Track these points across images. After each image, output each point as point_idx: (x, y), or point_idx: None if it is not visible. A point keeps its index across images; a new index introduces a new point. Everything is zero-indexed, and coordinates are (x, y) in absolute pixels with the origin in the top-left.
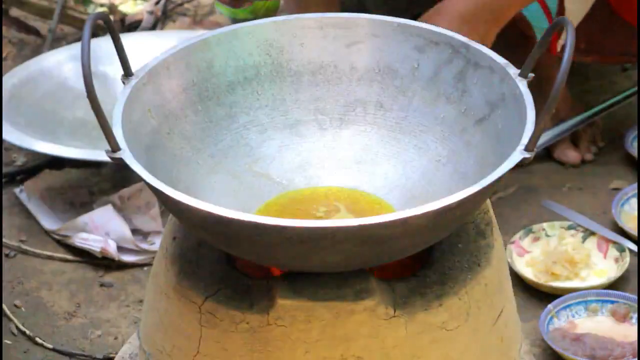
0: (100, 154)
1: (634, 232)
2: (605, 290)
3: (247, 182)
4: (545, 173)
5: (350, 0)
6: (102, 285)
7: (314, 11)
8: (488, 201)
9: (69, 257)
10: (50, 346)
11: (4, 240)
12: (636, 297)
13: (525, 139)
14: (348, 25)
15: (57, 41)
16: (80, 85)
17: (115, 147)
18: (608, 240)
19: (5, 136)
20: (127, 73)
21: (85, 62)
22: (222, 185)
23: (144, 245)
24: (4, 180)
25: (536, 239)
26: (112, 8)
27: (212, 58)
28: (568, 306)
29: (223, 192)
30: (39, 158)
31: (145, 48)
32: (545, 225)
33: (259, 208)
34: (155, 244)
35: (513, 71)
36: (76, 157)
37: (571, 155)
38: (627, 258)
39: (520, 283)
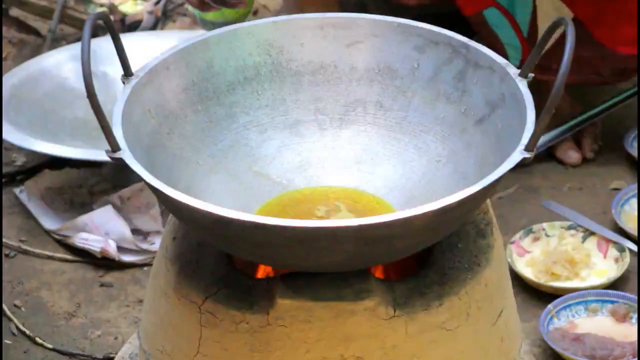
0: (100, 154)
1: (634, 232)
2: (605, 290)
3: (247, 182)
4: (545, 173)
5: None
6: (102, 285)
7: (313, 11)
8: (488, 201)
9: (69, 257)
10: (50, 346)
11: (4, 240)
12: (636, 297)
13: (525, 139)
14: (348, 25)
15: (57, 41)
16: (80, 85)
17: (115, 147)
18: (608, 240)
19: (5, 136)
20: (127, 73)
21: (85, 62)
22: (222, 185)
23: (144, 245)
24: (4, 180)
25: (536, 239)
26: (112, 8)
27: (212, 58)
28: (568, 306)
29: (223, 192)
30: (39, 158)
31: (145, 48)
32: (545, 225)
33: (259, 208)
34: (155, 244)
35: (513, 71)
36: (76, 157)
37: (573, 155)
38: (627, 258)
39: (520, 283)
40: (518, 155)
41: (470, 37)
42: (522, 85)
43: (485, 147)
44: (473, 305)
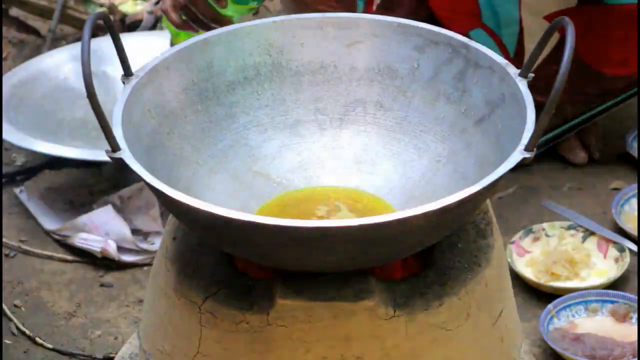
0: (100, 154)
1: (634, 232)
2: (605, 290)
3: (247, 182)
4: (545, 173)
5: None
6: (102, 285)
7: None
8: (488, 201)
9: (69, 257)
10: (50, 346)
11: (4, 240)
12: (636, 297)
13: (525, 139)
14: (348, 25)
15: (57, 41)
16: (80, 85)
17: (115, 147)
18: (608, 240)
19: (5, 136)
20: (127, 73)
21: (85, 62)
22: (222, 185)
23: (144, 245)
24: (4, 180)
25: (536, 239)
26: (112, 8)
27: (212, 58)
28: (568, 306)
29: (223, 192)
30: (39, 158)
31: (145, 48)
32: (545, 225)
33: (259, 208)
34: (155, 244)
35: (513, 71)
36: (76, 157)
37: (580, 154)
38: (627, 258)
39: (520, 283)
40: (518, 155)
41: None
42: (522, 85)
43: (485, 147)
44: (473, 305)
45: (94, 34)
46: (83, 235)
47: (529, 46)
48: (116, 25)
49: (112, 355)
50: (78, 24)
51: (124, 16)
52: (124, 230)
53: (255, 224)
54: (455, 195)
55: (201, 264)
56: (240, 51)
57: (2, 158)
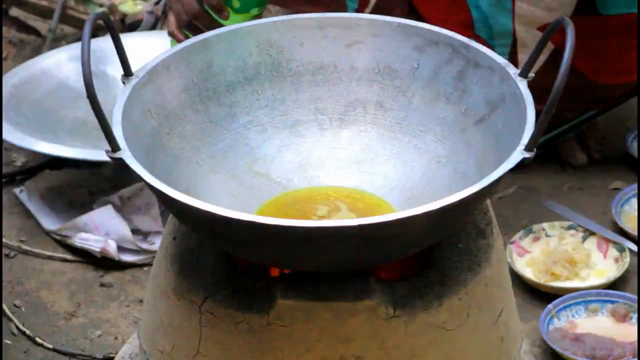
0: (100, 154)
1: (634, 232)
2: (605, 290)
3: (247, 182)
4: (545, 173)
5: None
6: (102, 285)
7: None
8: (488, 201)
9: (69, 257)
10: (50, 346)
11: (4, 240)
12: (636, 297)
13: (525, 139)
14: (348, 25)
15: (57, 41)
16: (80, 85)
17: (115, 147)
18: (608, 240)
19: (5, 136)
20: (127, 73)
21: (85, 62)
22: (222, 185)
23: (144, 245)
24: (4, 180)
25: (536, 239)
26: (112, 8)
27: (212, 58)
28: (568, 306)
29: (223, 192)
30: (39, 158)
31: (145, 48)
32: (545, 225)
33: (259, 208)
34: (155, 244)
35: (513, 71)
36: (76, 157)
37: (579, 156)
38: (627, 258)
39: (520, 283)
40: (518, 155)
41: None
42: (522, 85)
43: (485, 147)
44: (473, 305)
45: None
46: (83, 235)
47: (523, 57)
48: (116, 25)
49: (112, 355)
50: (78, 24)
51: (124, 16)
52: (124, 230)
53: (255, 224)
54: (455, 195)
55: (201, 264)
56: (240, 51)
57: (2, 158)
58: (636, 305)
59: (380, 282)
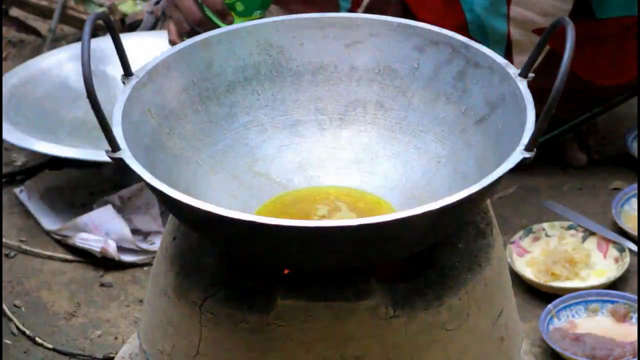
0: (100, 154)
1: (634, 232)
2: (605, 290)
3: (247, 182)
4: (545, 173)
5: None
6: (102, 285)
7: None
8: (488, 201)
9: (69, 257)
10: (50, 346)
11: (4, 240)
12: (636, 297)
13: (525, 139)
14: (348, 25)
15: (57, 41)
16: (80, 85)
17: (115, 147)
18: (608, 240)
19: (5, 136)
20: (127, 73)
21: (85, 62)
22: (222, 185)
23: (144, 245)
24: (4, 180)
25: (536, 239)
26: (112, 8)
27: (212, 58)
28: (568, 306)
29: (223, 192)
30: (39, 158)
31: (145, 48)
32: (545, 225)
33: (259, 208)
34: (155, 244)
35: (513, 71)
36: (76, 157)
37: (579, 156)
38: (627, 258)
39: (520, 283)
40: (518, 155)
41: None
42: (522, 85)
43: (485, 147)
44: (473, 305)
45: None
46: (83, 235)
47: (518, 59)
48: (116, 25)
49: (112, 355)
50: (78, 24)
51: (124, 16)
52: (124, 230)
53: (255, 224)
54: (455, 195)
55: (201, 264)
56: (240, 51)
57: (2, 158)
58: (636, 305)
59: (380, 282)
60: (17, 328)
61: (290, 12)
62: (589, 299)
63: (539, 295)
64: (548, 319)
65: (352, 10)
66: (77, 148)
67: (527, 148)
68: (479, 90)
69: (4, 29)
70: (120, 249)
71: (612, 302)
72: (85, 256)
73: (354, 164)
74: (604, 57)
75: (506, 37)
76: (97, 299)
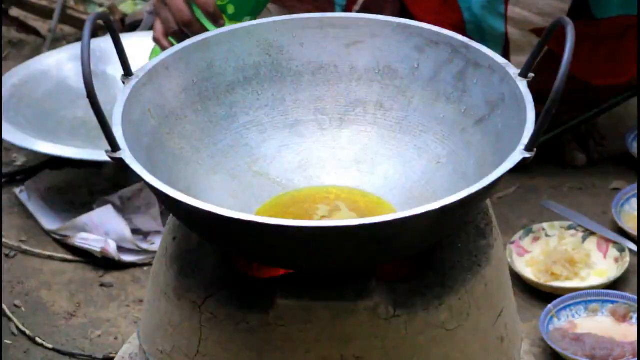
0: (100, 154)
1: (634, 232)
2: (605, 290)
3: (247, 182)
4: (545, 173)
5: None
6: (102, 285)
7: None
8: (488, 201)
9: (69, 257)
10: (50, 346)
11: (4, 240)
12: (636, 297)
13: (525, 139)
14: (348, 25)
15: (57, 41)
16: (80, 85)
17: (115, 147)
18: (608, 240)
19: (5, 136)
20: (127, 73)
21: (85, 62)
22: (222, 185)
23: (144, 245)
24: (4, 180)
25: (536, 239)
26: (112, 8)
27: (212, 58)
28: (568, 306)
29: (223, 192)
30: (39, 158)
31: (145, 48)
32: (545, 225)
33: (259, 208)
34: (155, 244)
35: (513, 71)
36: (76, 157)
37: (579, 156)
38: (627, 258)
39: (520, 283)
40: (518, 155)
41: None
42: (522, 85)
43: (485, 147)
44: (473, 305)
45: (94, 34)
46: (83, 235)
47: (516, 58)
48: (116, 25)
49: (112, 355)
50: (78, 24)
51: (124, 16)
52: (124, 230)
53: (255, 224)
54: (455, 195)
55: (201, 264)
56: (240, 51)
57: (2, 158)
58: (636, 305)
59: (380, 282)
60: (17, 328)
61: (287, 8)
62: (589, 299)
63: (539, 295)
64: (548, 319)
65: (348, 7)
66: (77, 148)
67: (527, 148)
68: (479, 90)
69: (4, 29)
70: (120, 249)
71: (612, 302)
72: (85, 256)
73: (354, 164)
74: (602, 57)
75: (504, 37)
76: (97, 299)
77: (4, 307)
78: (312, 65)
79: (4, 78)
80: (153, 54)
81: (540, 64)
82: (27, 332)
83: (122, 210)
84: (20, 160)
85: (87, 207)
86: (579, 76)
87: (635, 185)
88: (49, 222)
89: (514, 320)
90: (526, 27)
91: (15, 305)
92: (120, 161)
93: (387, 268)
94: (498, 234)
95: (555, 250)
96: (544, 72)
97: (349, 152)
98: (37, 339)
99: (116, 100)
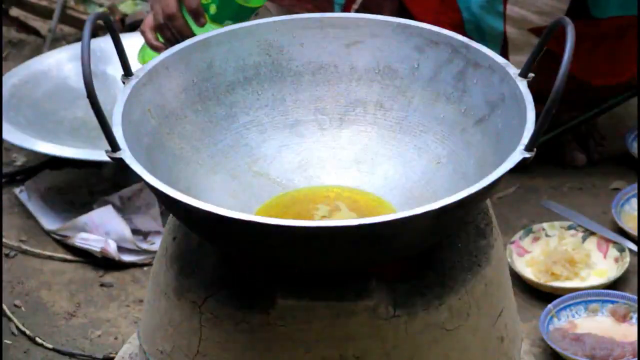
0: (100, 154)
1: (634, 232)
2: (605, 290)
3: (247, 182)
4: (545, 173)
5: None
6: (102, 285)
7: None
8: (488, 201)
9: (69, 257)
10: (50, 346)
11: (4, 240)
12: (636, 297)
13: (525, 139)
14: (348, 25)
15: (57, 41)
16: (80, 85)
17: (115, 147)
18: (608, 240)
19: (5, 136)
20: (127, 73)
21: (85, 62)
22: (222, 185)
23: (144, 245)
24: (4, 180)
25: (536, 239)
26: (112, 8)
27: (212, 58)
28: (568, 306)
29: (223, 192)
30: (39, 158)
31: None
32: (545, 225)
33: (259, 208)
34: (155, 244)
35: (513, 71)
36: (76, 157)
37: (579, 156)
38: (627, 258)
39: (520, 283)
40: (518, 155)
41: None
42: (522, 85)
43: (485, 147)
44: (473, 305)
45: (94, 34)
46: (83, 235)
47: (514, 58)
48: (116, 25)
49: (112, 355)
50: (78, 24)
51: (124, 16)
52: (124, 230)
53: (255, 224)
54: (455, 195)
55: (201, 264)
56: (240, 51)
57: (2, 158)
58: (636, 305)
59: (380, 282)
60: (17, 328)
61: (286, 7)
62: (589, 299)
63: (539, 295)
64: (548, 319)
65: (347, 6)
66: (77, 148)
67: (527, 148)
68: (479, 90)
69: (4, 29)
70: (120, 249)
71: (612, 302)
72: (85, 256)
73: (354, 164)
74: (601, 57)
75: (502, 36)
76: (97, 299)
77: (4, 307)
78: (312, 65)
79: (4, 78)
80: (141, 51)
81: (540, 64)
82: (27, 332)
83: (122, 210)
84: (20, 160)
85: (87, 207)
86: (578, 76)
87: (635, 185)
88: (49, 222)
89: (514, 320)
90: (525, 26)
91: (15, 305)
92: (120, 161)
93: (387, 268)
94: (498, 234)
95: (555, 250)
96: (543, 72)
97: (349, 152)
98: (37, 339)
99: (116, 100)
